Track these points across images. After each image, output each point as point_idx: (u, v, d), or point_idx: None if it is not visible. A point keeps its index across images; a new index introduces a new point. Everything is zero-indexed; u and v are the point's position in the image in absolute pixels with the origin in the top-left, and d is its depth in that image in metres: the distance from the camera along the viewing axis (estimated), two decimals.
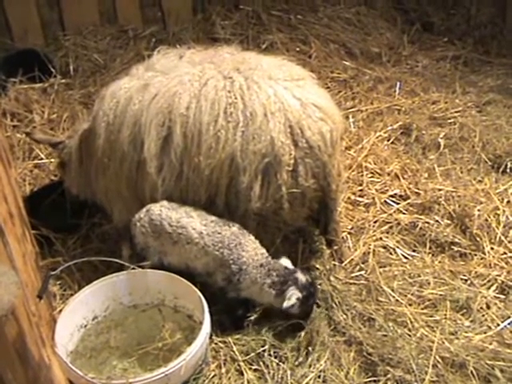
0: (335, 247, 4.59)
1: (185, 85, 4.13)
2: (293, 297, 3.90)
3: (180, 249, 4.01)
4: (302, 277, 3.98)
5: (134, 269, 3.94)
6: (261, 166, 3.99)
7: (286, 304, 3.90)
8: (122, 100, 4.26)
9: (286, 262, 4.08)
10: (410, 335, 4.03)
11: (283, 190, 4.04)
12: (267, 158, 3.98)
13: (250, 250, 3.97)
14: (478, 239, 4.81)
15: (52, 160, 5.65)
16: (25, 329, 2.28)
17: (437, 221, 4.98)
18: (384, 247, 4.79)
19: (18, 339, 2.19)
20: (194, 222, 3.99)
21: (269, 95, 4.04)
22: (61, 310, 4.01)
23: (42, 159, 5.74)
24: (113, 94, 4.33)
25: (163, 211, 4.04)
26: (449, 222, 4.98)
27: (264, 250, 4.04)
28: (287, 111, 4.02)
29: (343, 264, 4.57)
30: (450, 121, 6.29)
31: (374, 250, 4.72)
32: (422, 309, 4.27)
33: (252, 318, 4.13)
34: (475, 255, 4.72)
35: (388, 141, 6.01)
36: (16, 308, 2.12)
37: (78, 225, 4.97)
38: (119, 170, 4.31)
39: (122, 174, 4.30)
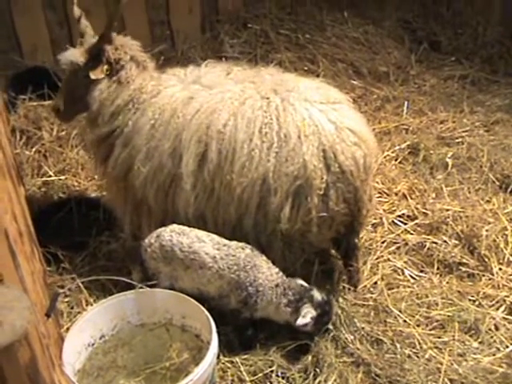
0: (353, 272, 4.56)
1: (225, 102, 4.16)
2: (307, 315, 3.90)
3: (192, 274, 4.01)
4: (317, 295, 3.98)
5: (141, 288, 3.94)
6: (292, 188, 4.00)
7: (299, 321, 3.90)
8: (168, 109, 4.27)
9: (299, 281, 4.07)
10: (418, 357, 4.02)
11: (313, 213, 4.04)
12: (299, 180, 3.99)
13: (265, 270, 3.98)
14: (486, 260, 4.80)
15: (61, 178, 5.68)
16: (37, 354, 2.28)
17: (445, 241, 4.97)
18: (392, 268, 4.78)
19: (31, 364, 2.18)
20: (207, 247, 3.99)
21: (304, 117, 4.05)
22: (68, 328, 4.01)
23: (50, 176, 5.75)
24: (165, 98, 4.34)
25: (174, 236, 4.04)
26: (457, 242, 4.97)
27: (277, 269, 4.04)
28: (321, 134, 4.01)
29: (357, 289, 4.55)
30: (457, 140, 6.29)
31: (381, 271, 4.71)
32: (430, 330, 4.26)
33: (260, 338, 4.12)
34: (483, 276, 4.71)
35: (396, 160, 6.00)
36: (29, 333, 2.12)
37: (86, 243, 4.96)
38: (151, 179, 4.31)
39: (153, 184, 4.31)
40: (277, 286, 3.97)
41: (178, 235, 4.05)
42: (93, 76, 4.28)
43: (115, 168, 4.45)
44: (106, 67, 4.33)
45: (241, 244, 4.05)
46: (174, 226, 4.13)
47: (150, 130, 4.28)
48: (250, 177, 4.03)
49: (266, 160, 4.01)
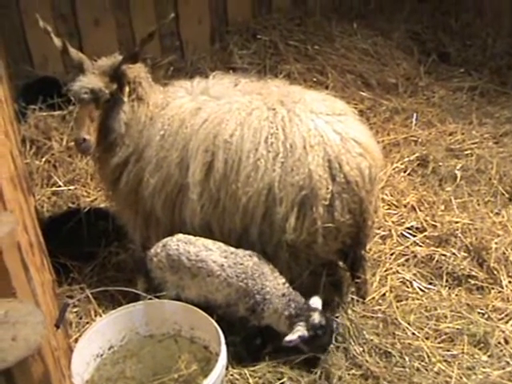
0: (360, 284, 4.56)
1: (233, 112, 4.20)
2: (296, 333, 3.90)
3: (199, 282, 4.03)
4: (316, 317, 3.97)
5: (150, 299, 3.96)
6: (297, 198, 4.02)
7: (286, 338, 3.91)
8: (176, 119, 4.31)
9: (315, 300, 4.08)
10: (427, 370, 4.02)
11: (318, 223, 4.05)
12: (304, 190, 4.01)
13: (272, 279, 4.01)
14: (496, 272, 4.78)
15: (70, 188, 5.70)
16: (50, 368, 2.29)
17: (453, 253, 4.95)
18: (401, 280, 4.77)
19: (44, 379, 2.19)
20: (214, 255, 4.01)
21: (309, 128, 4.08)
22: (76, 339, 4.03)
23: (60, 186, 5.78)
24: (174, 109, 4.36)
25: (180, 246, 4.06)
26: (466, 254, 4.95)
27: (284, 280, 4.05)
28: (326, 145, 4.04)
29: (365, 301, 4.54)
30: (466, 152, 6.26)
31: (390, 283, 4.70)
32: (439, 343, 4.25)
33: (268, 350, 4.12)
34: (492, 289, 4.70)
35: (405, 172, 6.00)
36: (42, 347, 2.13)
37: (95, 253, 4.98)
38: (159, 190, 4.32)
39: (161, 194, 4.33)
40: (283, 295, 3.98)
41: (184, 244, 4.07)
42: (125, 99, 4.29)
43: (128, 183, 4.46)
44: (127, 88, 4.34)
45: (248, 252, 4.08)
46: (180, 236, 4.15)
47: (159, 141, 4.31)
48: (255, 186, 4.05)
49: (272, 170, 4.03)
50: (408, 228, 5.29)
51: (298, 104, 4.22)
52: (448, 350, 4.18)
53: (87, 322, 4.38)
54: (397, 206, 5.53)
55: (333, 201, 4.05)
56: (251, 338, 4.13)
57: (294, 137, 4.05)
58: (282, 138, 4.07)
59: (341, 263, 4.73)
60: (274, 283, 3.99)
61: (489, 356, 4.15)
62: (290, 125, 4.09)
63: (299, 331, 3.91)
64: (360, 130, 4.29)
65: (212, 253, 4.03)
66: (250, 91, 4.40)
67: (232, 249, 4.08)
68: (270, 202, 4.07)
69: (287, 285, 4.04)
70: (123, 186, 4.48)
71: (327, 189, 4.01)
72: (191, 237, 4.13)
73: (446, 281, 4.77)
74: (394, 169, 5.99)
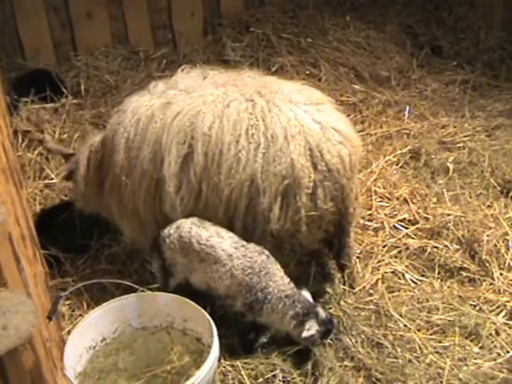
0: (347, 272, 4.57)
1: (209, 105, 4.18)
2: (312, 328, 3.89)
3: (206, 268, 4.01)
4: (322, 312, 3.98)
5: (143, 291, 3.96)
6: (281, 187, 4.03)
7: (305, 334, 3.89)
8: (143, 118, 4.29)
9: (306, 294, 4.07)
10: (418, 361, 4.02)
11: (302, 212, 4.06)
12: (287, 180, 4.01)
13: (278, 279, 3.97)
14: (487, 264, 4.79)
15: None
16: (41, 358, 2.29)
17: (446, 246, 4.96)
18: (393, 272, 4.78)
19: (35, 368, 2.20)
20: (224, 244, 4.00)
21: (289, 118, 4.08)
22: (69, 331, 4.02)
23: (52, 179, 5.78)
24: (134, 111, 4.36)
25: (193, 228, 4.05)
26: (458, 247, 4.96)
27: (289, 280, 4.02)
28: (307, 134, 4.06)
29: (354, 290, 4.55)
30: (458, 145, 6.27)
31: (382, 275, 4.72)
32: (431, 334, 4.26)
33: (262, 342, 4.12)
34: (484, 281, 4.70)
35: (397, 165, 5.99)
36: (33, 337, 2.13)
37: (88, 245, 4.98)
38: (137, 189, 4.33)
39: (140, 193, 4.33)
40: (287, 296, 3.94)
41: (197, 227, 4.06)
42: None
43: (111, 193, 4.53)
44: None
45: (259, 248, 4.04)
46: (195, 219, 4.13)
47: (126, 144, 4.33)
48: (237, 178, 4.05)
49: (254, 161, 4.03)
50: (400, 220, 5.29)
51: (276, 94, 4.23)
52: (440, 342, 4.19)
53: (80, 315, 4.38)
54: (389, 199, 5.54)
55: (315, 189, 4.07)
56: (245, 332, 4.12)
57: (275, 127, 4.05)
58: (263, 128, 4.06)
59: (330, 255, 4.73)
60: (278, 284, 3.95)
61: (480, 347, 4.16)
62: (270, 115, 4.09)
63: (313, 326, 3.90)
64: (338, 118, 4.32)
65: (223, 241, 4.01)
66: (222, 83, 4.39)
67: (244, 242, 4.05)
68: (253, 192, 4.07)
69: (292, 285, 4.00)
70: (107, 198, 4.58)
71: (309, 177, 4.03)
72: (205, 221, 4.12)
73: (438, 273, 4.78)
74: (386, 161, 5.99)
